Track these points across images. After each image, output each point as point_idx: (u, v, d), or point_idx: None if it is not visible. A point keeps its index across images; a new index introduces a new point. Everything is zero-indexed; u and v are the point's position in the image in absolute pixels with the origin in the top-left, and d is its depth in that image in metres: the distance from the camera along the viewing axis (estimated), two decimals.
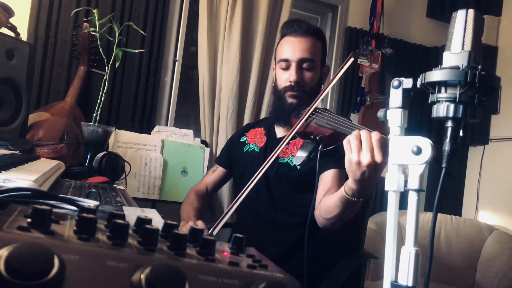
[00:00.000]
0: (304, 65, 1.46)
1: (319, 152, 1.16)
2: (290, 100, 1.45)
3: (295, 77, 1.44)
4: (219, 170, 1.73)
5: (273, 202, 1.48)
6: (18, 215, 0.39)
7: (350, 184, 1.09)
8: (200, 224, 1.33)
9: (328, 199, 1.24)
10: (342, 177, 1.34)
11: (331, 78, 1.38)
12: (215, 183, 1.74)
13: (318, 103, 1.30)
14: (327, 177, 1.36)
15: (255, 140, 1.61)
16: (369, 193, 1.12)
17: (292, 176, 1.44)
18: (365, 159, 0.98)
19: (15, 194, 0.56)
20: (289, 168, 1.45)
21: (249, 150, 1.60)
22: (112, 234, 0.37)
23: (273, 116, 1.57)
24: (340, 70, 1.32)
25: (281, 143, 1.31)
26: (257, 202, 1.50)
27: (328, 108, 3.13)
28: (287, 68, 1.48)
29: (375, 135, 0.98)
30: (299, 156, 1.20)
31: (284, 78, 1.48)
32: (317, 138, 1.17)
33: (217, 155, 2.44)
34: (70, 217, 0.43)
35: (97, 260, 0.33)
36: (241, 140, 1.66)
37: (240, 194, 1.28)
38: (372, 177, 1.02)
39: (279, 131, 1.57)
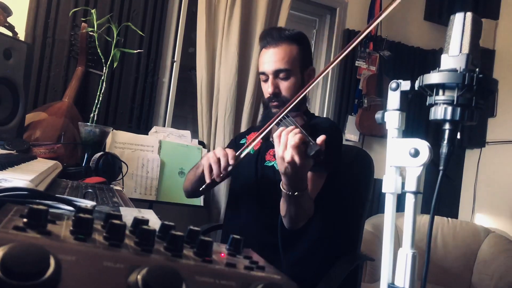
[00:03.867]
0: (281, 75, 1.47)
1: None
2: (274, 110, 1.49)
3: (271, 89, 1.47)
4: None
5: (261, 204, 1.49)
6: (14, 215, 0.39)
7: (282, 178, 1.19)
8: (229, 150, 1.31)
9: (281, 200, 1.30)
10: (316, 181, 1.39)
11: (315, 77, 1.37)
12: None
13: (294, 104, 1.32)
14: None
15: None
16: (300, 188, 1.20)
17: (276, 180, 1.45)
18: (287, 156, 1.10)
19: (11, 194, 0.56)
20: (274, 171, 1.47)
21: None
22: (108, 234, 0.37)
23: (261, 124, 1.60)
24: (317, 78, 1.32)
25: (243, 148, 1.35)
26: (246, 204, 1.52)
27: (325, 110, 3.14)
28: (266, 81, 1.51)
29: (295, 138, 1.09)
30: None
31: (265, 90, 1.52)
32: None
33: None
34: (67, 217, 0.43)
35: (94, 261, 0.32)
36: (241, 142, 1.68)
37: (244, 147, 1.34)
38: (297, 174, 1.13)
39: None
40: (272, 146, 1.52)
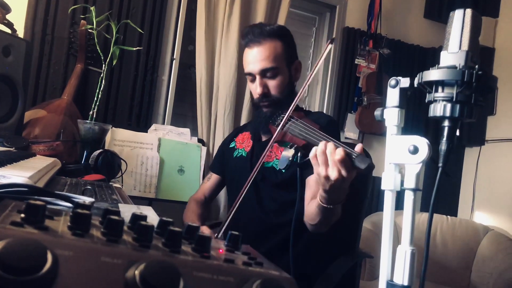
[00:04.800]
0: (268, 74, 1.44)
1: (299, 158, 1.18)
2: (264, 109, 1.46)
3: (260, 90, 1.44)
4: (213, 177, 1.73)
5: (262, 205, 1.48)
6: (12, 210, 0.39)
7: (321, 193, 1.13)
8: (205, 230, 1.32)
9: (310, 206, 1.27)
10: None
11: (311, 70, 1.38)
12: (211, 190, 1.74)
13: (295, 105, 1.32)
14: (312, 180, 1.36)
15: (243, 145, 1.61)
16: (342, 199, 1.16)
17: (278, 180, 1.44)
18: (333, 175, 1.02)
19: (10, 190, 0.56)
20: (275, 172, 1.45)
21: (237, 155, 1.60)
22: (106, 230, 0.37)
23: (254, 126, 1.59)
24: (319, 61, 1.35)
25: (262, 156, 1.32)
26: (247, 205, 1.51)
27: (325, 108, 3.14)
28: (253, 81, 1.48)
29: (339, 153, 1.00)
30: (283, 160, 1.22)
31: (254, 90, 1.49)
32: (294, 147, 1.20)
33: (214, 154, 2.45)
34: (65, 213, 0.42)
35: (91, 256, 0.32)
36: (230, 146, 1.66)
37: (233, 205, 1.31)
38: (342, 187, 1.07)
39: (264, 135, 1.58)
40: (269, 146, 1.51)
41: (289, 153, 1.17)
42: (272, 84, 1.45)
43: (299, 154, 1.18)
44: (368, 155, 1.69)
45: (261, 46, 1.44)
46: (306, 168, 1.14)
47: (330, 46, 1.35)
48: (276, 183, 1.45)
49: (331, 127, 1.41)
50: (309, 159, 1.08)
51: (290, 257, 1.16)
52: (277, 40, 1.46)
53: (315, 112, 1.62)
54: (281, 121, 1.29)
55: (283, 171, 1.42)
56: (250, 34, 1.46)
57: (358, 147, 1.03)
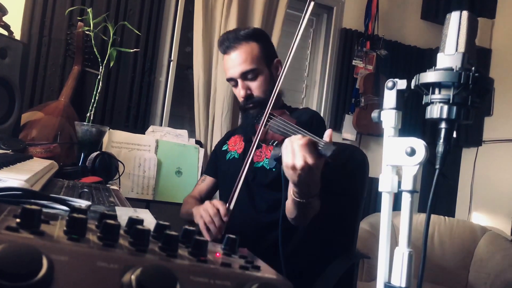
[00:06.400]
0: (249, 76, 1.46)
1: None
2: (251, 111, 1.48)
3: (243, 93, 1.46)
4: (207, 180, 1.74)
5: (254, 204, 1.49)
6: (7, 215, 0.39)
7: (293, 187, 1.13)
8: (219, 205, 1.29)
9: (287, 201, 1.27)
10: None
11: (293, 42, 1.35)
12: (206, 192, 1.75)
13: (272, 102, 1.32)
14: None
15: (235, 147, 1.63)
16: (315, 193, 1.16)
17: (268, 180, 1.45)
18: (298, 163, 1.02)
19: (5, 194, 0.55)
20: (265, 171, 1.46)
21: (230, 157, 1.61)
22: (102, 234, 0.37)
23: (243, 128, 1.60)
24: (300, 26, 1.33)
25: (248, 155, 1.32)
26: (240, 207, 1.51)
27: (322, 109, 3.14)
28: (236, 85, 1.50)
29: (304, 141, 1.02)
30: (272, 160, 1.23)
31: (238, 94, 1.51)
32: (275, 144, 1.21)
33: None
34: (61, 217, 0.42)
35: (87, 261, 0.32)
36: (223, 149, 1.67)
37: (229, 200, 1.30)
38: (311, 179, 1.07)
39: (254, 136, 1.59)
40: (257, 147, 1.52)
41: (277, 152, 1.17)
42: (254, 85, 1.47)
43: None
44: (363, 154, 1.69)
45: (237, 50, 1.46)
46: (281, 162, 1.14)
47: (312, 3, 1.32)
48: (266, 182, 1.46)
49: (314, 121, 1.42)
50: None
51: (281, 256, 1.16)
52: (253, 42, 1.47)
53: (302, 109, 1.62)
54: (261, 123, 1.30)
55: (274, 170, 1.42)
56: (226, 41, 1.49)
57: (327, 134, 1.05)
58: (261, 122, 1.29)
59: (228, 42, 1.47)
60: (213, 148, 2.48)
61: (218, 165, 1.68)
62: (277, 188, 1.44)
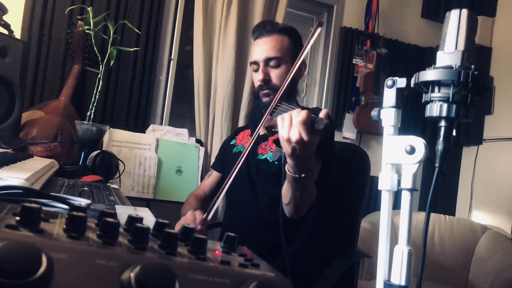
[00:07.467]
0: (271, 63, 1.49)
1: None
2: (264, 99, 1.49)
3: (262, 76, 1.48)
4: (214, 175, 1.75)
5: (257, 199, 1.49)
6: (7, 213, 0.39)
7: (288, 161, 1.15)
8: (197, 214, 1.33)
9: (283, 187, 1.28)
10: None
11: (299, 55, 1.37)
12: (211, 187, 1.75)
13: (283, 90, 1.33)
14: None
15: (242, 141, 1.64)
16: (308, 169, 1.17)
17: (270, 172, 1.46)
18: (294, 136, 1.05)
19: (5, 192, 0.55)
20: (268, 164, 1.47)
21: (236, 151, 1.62)
22: (102, 232, 0.37)
23: (251, 115, 1.61)
24: (308, 43, 1.35)
25: (250, 141, 1.33)
26: (242, 201, 1.52)
27: (322, 108, 3.14)
28: (257, 70, 1.52)
29: (301, 115, 1.05)
30: (276, 152, 1.26)
31: (256, 79, 1.52)
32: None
33: (212, 154, 2.45)
34: (61, 216, 0.42)
35: (86, 259, 0.32)
36: (231, 143, 1.69)
37: (225, 183, 1.32)
38: (304, 153, 1.09)
39: (262, 129, 1.59)
40: (263, 140, 1.52)
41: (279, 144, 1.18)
42: (274, 73, 1.49)
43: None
44: (364, 153, 1.70)
45: (269, 37, 1.50)
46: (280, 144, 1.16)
47: (319, 29, 1.37)
48: (268, 175, 1.46)
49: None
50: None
51: (285, 255, 1.16)
52: (285, 36, 1.51)
53: (312, 108, 1.63)
54: (273, 108, 1.30)
55: (276, 163, 1.42)
56: (261, 27, 1.53)
57: (323, 113, 1.07)
58: (269, 108, 1.30)
59: (263, 29, 1.52)
60: (211, 147, 2.50)
61: (226, 160, 1.69)
62: (279, 182, 1.44)
